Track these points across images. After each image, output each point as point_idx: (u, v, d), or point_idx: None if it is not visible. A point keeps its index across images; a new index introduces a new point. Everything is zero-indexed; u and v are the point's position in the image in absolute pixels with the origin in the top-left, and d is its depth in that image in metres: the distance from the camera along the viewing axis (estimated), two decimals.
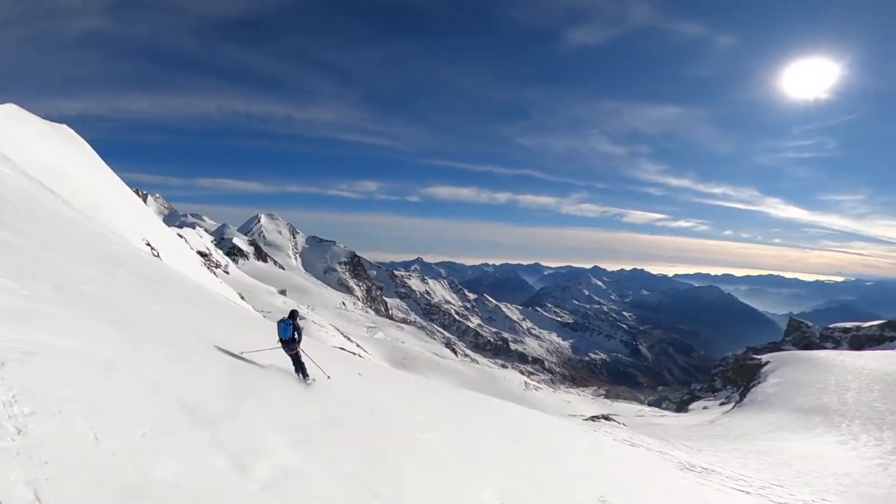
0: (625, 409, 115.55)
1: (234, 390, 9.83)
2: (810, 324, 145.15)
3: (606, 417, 59.10)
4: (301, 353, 15.07)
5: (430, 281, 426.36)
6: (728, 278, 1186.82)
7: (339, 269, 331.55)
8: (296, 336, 14.92)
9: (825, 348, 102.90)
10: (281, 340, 14.94)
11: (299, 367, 15.08)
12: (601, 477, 17.85)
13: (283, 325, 14.95)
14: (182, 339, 13.21)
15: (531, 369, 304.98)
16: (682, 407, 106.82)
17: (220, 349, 13.81)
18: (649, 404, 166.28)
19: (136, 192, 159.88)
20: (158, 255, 60.23)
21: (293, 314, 15.55)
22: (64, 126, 73.21)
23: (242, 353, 14.81)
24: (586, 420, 52.51)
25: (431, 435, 14.57)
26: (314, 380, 15.43)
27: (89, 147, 74.97)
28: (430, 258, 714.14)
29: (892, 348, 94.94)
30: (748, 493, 24.36)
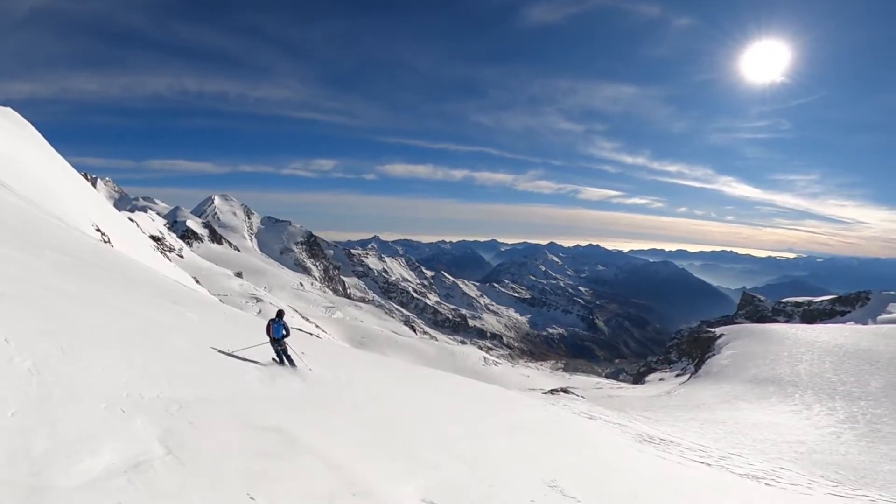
0: (583, 381, 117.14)
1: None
2: (763, 298, 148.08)
3: (565, 390, 59.55)
4: (288, 347, 16.39)
5: (387, 259, 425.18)
6: (682, 254, 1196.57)
7: (295, 250, 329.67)
8: (285, 333, 16.30)
9: (777, 322, 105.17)
10: (273, 339, 16.18)
11: (287, 359, 16.38)
12: (555, 456, 16.70)
13: (275, 325, 16.26)
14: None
15: (490, 345, 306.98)
16: (638, 379, 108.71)
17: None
18: (607, 377, 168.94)
19: (86, 176, 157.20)
20: (109, 241, 58.98)
21: (280, 314, 17.06)
22: (8, 109, 71.49)
23: (233, 351, 15.77)
24: (545, 393, 52.72)
25: (368, 413, 14.10)
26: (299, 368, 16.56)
27: (35, 131, 73.24)
28: (387, 236, 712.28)
29: (843, 322, 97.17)
30: (709, 464, 24.39)
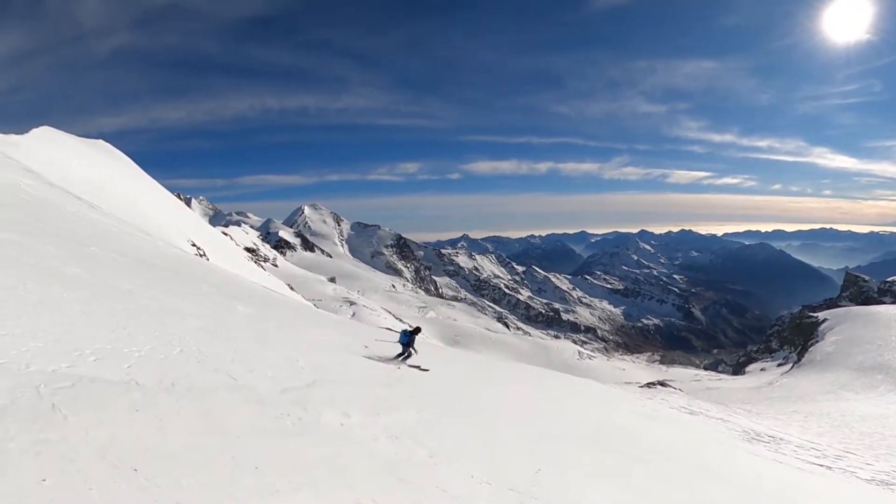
0: (680, 374, 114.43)
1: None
2: (867, 278, 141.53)
3: (662, 383, 58.34)
4: (409, 353, 18.61)
5: (477, 257, 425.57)
6: (779, 234, 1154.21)
7: (385, 253, 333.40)
8: (407, 342, 18.65)
9: (884, 303, 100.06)
10: (400, 342, 18.80)
11: (406, 356, 18.62)
12: (651, 462, 14.80)
13: (403, 333, 19.18)
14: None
15: (584, 338, 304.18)
16: (738, 369, 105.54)
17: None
18: (705, 368, 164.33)
19: (179, 196, 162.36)
20: (204, 255, 61.30)
21: (417, 330, 19.32)
22: (100, 141, 74.88)
23: (374, 340, 20.90)
24: (642, 387, 51.73)
25: (450, 405, 14.54)
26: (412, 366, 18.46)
27: (128, 159, 76.51)
28: (476, 234, 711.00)
29: None
30: (828, 467, 22.49)
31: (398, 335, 19.51)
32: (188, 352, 10.34)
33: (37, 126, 63.50)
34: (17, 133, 58.67)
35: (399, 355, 18.65)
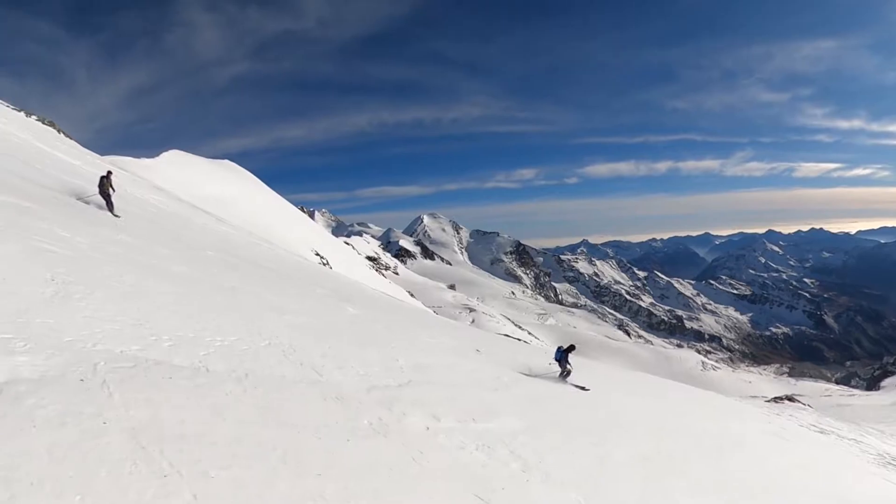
0: (810, 388, 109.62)
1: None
2: None
3: (790, 398, 55.90)
4: (565, 369, 19.37)
5: (597, 262, 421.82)
6: None
7: (505, 260, 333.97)
8: (559, 359, 19.44)
9: None
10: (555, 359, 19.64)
11: (566, 374, 19.44)
12: (782, 491, 13.60)
13: (557, 350, 20.01)
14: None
15: (708, 348, 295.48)
16: (873, 384, 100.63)
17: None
18: (836, 382, 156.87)
19: (302, 209, 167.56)
20: (328, 263, 63.35)
21: (571, 348, 19.88)
22: (226, 161, 78.83)
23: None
24: (768, 402, 49.58)
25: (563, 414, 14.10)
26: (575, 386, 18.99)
27: (253, 176, 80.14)
28: (596, 239, 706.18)
29: None
30: None
31: (553, 353, 20.51)
32: (276, 345, 10.38)
33: (167, 150, 67.43)
34: (148, 157, 62.28)
35: (560, 374, 19.28)
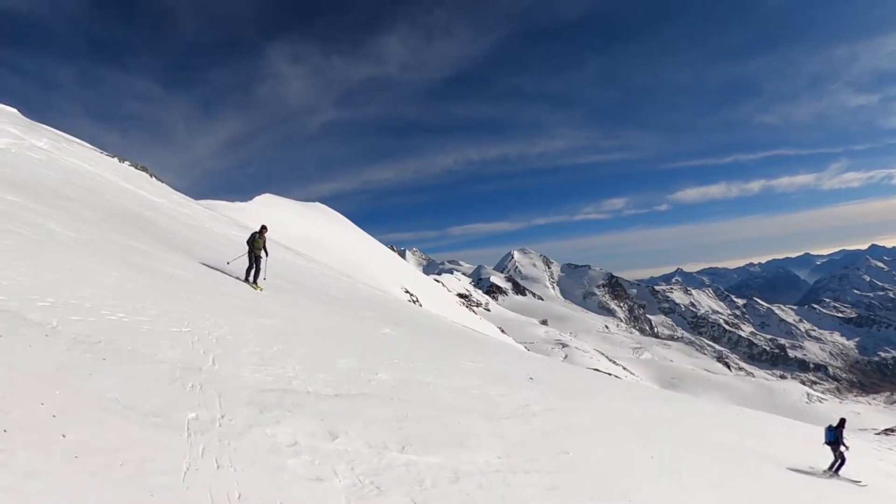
0: None
1: None
2: None
3: None
4: (844, 457, 17.13)
5: (693, 291, 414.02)
6: None
7: (597, 293, 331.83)
8: (836, 438, 17.29)
9: None
10: (827, 442, 17.41)
11: (840, 464, 17.19)
12: None
13: (828, 430, 17.72)
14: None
15: (814, 378, 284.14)
16: None
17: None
18: None
19: (392, 248, 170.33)
20: (417, 301, 64.11)
21: (842, 423, 17.76)
22: (317, 203, 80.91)
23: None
24: (878, 434, 47.40)
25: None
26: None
27: (344, 218, 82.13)
28: (690, 267, 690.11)
29: None
30: None
31: (823, 435, 17.84)
32: (231, 343, 9.52)
33: (260, 194, 69.96)
34: (242, 201, 64.57)
35: (832, 466, 17.20)
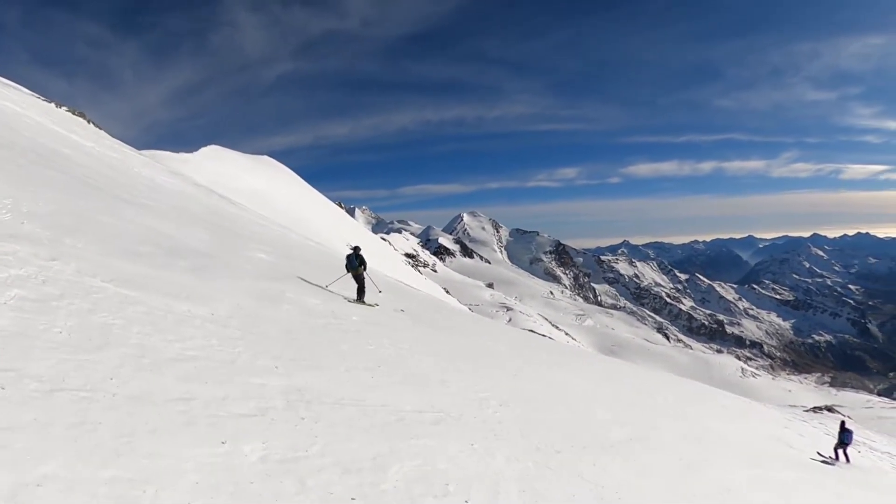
0: (851, 398, 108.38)
1: None
2: None
3: (830, 409, 54.96)
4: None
5: (638, 264, 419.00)
6: None
7: (544, 259, 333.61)
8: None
9: None
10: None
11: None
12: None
13: (845, 433, 20.78)
14: None
15: (749, 354, 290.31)
16: None
17: None
18: (879, 393, 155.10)
19: (340, 205, 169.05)
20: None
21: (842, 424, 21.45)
22: (265, 157, 79.82)
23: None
24: (807, 411, 48.66)
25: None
26: None
27: (291, 172, 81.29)
28: (637, 240, 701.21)
29: None
30: None
31: (838, 436, 21.07)
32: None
33: (208, 146, 68.70)
34: (188, 153, 63.28)
35: (838, 456, 20.45)
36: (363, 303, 17.82)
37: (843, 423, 21.34)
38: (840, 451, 20.53)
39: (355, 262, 18.02)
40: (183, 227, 20.07)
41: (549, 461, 8.66)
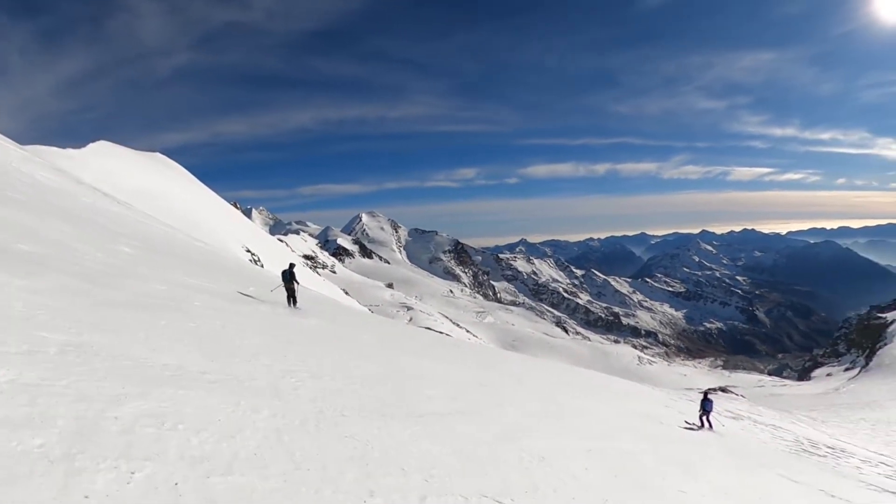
0: (744, 379, 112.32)
1: None
2: None
3: (724, 389, 56.90)
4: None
5: (535, 261, 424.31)
6: (845, 231, 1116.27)
7: (443, 258, 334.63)
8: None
9: None
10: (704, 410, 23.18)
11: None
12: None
13: (703, 401, 23.35)
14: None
15: (645, 343, 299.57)
16: (804, 375, 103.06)
17: None
18: (769, 374, 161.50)
19: (236, 205, 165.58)
20: (259, 261, 62.01)
21: (706, 394, 24.55)
22: (157, 154, 76.85)
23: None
24: (701, 393, 49.99)
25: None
26: None
27: (184, 170, 78.52)
28: (535, 238, 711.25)
29: None
30: None
31: (699, 405, 23.38)
32: None
33: (97, 141, 65.69)
34: (75, 148, 60.40)
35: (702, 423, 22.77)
36: (297, 308, 21.63)
37: (706, 393, 24.76)
38: (704, 419, 22.81)
39: (287, 277, 21.63)
40: (47, 221, 19.84)
41: (321, 422, 8.23)
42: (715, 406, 24.09)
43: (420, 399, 12.10)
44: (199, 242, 41.34)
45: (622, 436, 16.06)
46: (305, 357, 12.37)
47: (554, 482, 9.12)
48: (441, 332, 70.23)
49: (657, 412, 24.14)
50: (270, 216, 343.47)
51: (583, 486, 9.45)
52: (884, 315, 78.28)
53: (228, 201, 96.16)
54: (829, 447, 25.64)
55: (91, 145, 64.13)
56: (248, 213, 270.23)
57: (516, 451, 10.25)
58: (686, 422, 22.90)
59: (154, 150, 77.91)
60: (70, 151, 58.00)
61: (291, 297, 21.86)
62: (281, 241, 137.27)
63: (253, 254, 64.86)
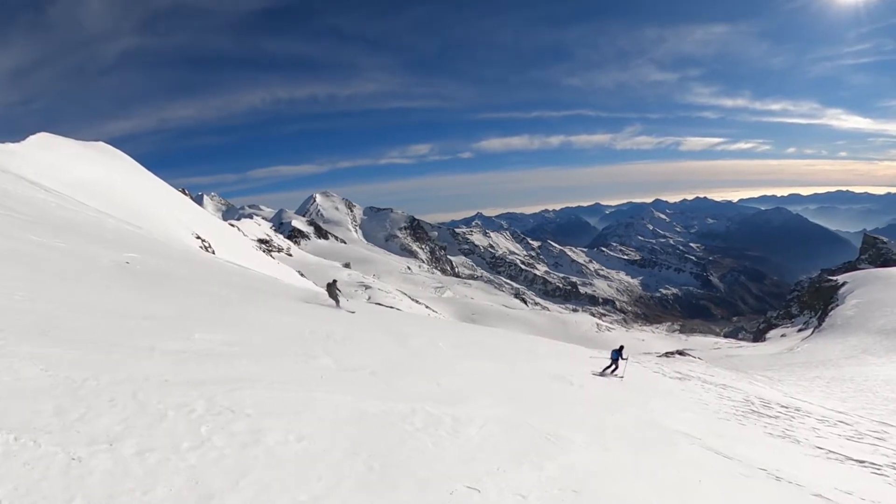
0: (700, 342, 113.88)
1: None
2: (886, 239, 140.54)
3: (681, 353, 57.13)
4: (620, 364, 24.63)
5: (492, 234, 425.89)
6: (795, 198, 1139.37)
7: (399, 235, 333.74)
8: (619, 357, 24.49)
9: None
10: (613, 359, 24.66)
11: (613, 369, 24.64)
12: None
13: (613, 352, 24.97)
14: None
15: (603, 311, 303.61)
16: (759, 336, 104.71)
17: None
18: (725, 336, 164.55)
19: (184, 192, 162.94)
20: (210, 248, 61.17)
21: (621, 348, 25.09)
22: (100, 143, 75.08)
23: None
24: (660, 356, 50.44)
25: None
26: None
27: (129, 158, 76.87)
28: (490, 211, 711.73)
29: None
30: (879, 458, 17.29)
31: (610, 354, 25.42)
32: None
33: (39, 133, 64.02)
34: (14, 142, 58.86)
35: (605, 370, 24.61)
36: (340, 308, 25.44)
37: (620, 346, 25.49)
38: (613, 368, 24.60)
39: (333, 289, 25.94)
40: None
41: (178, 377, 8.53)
42: (653, 363, 26.83)
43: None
44: (131, 227, 40.35)
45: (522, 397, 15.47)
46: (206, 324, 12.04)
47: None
48: (393, 307, 69.96)
49: (572, 372, 22.85)
50: (223, 202, 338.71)
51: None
52: (834, 278, 79.68)
53: (178, 188, 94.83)
54: (783, 406, 25.45)
55: (31, 138, 62.39)
56: (199, 200, 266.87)
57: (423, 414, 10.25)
58: (592, 373, 24.35)
59: (98, 140, 76.23)
60: (10, 146, 56.50)
61: (335, 298, 25.78)
62: (233, 225, 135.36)
63: (203, 240, 63.83)
